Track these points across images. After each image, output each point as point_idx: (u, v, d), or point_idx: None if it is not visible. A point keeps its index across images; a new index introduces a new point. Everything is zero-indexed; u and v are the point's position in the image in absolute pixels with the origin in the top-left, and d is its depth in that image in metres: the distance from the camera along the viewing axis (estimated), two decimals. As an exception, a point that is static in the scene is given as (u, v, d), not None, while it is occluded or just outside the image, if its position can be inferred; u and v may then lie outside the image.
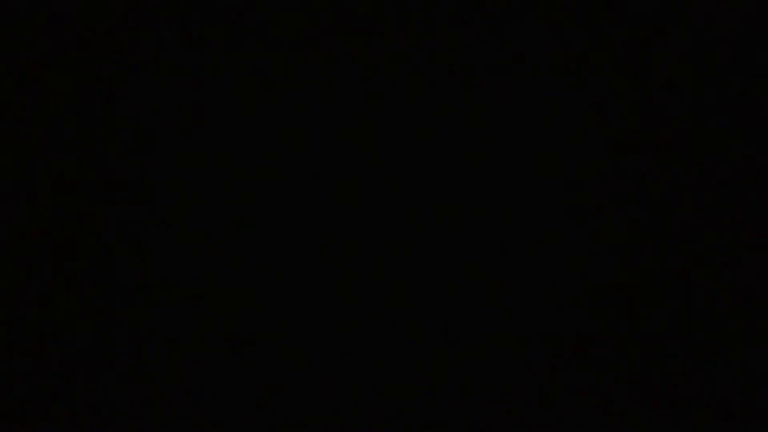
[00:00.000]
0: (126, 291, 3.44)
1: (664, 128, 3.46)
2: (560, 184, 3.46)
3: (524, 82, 3.48)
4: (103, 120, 3.48)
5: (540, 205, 3.46)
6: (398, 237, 3.46)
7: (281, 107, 3.49)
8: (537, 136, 3.48)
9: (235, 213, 3.47)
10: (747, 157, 3.44)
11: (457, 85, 3.48)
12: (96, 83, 3.49)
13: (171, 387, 3.42)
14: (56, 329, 3.43)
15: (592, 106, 3.47)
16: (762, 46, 3.46)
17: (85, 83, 3.49)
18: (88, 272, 3.43)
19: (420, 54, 3.49)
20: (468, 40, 3.49)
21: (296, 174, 3.48)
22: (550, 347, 3.42)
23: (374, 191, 3.47)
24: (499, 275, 3.44)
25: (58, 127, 3.47)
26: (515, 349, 3.43)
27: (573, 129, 3.47)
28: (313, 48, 3.49)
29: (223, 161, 3.48)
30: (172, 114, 3.49)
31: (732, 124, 3.46)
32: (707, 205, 3.44)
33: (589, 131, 3.47)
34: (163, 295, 3.44)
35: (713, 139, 3.46)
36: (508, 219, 3.46)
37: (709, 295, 3.42)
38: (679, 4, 3.47)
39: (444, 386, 3.42)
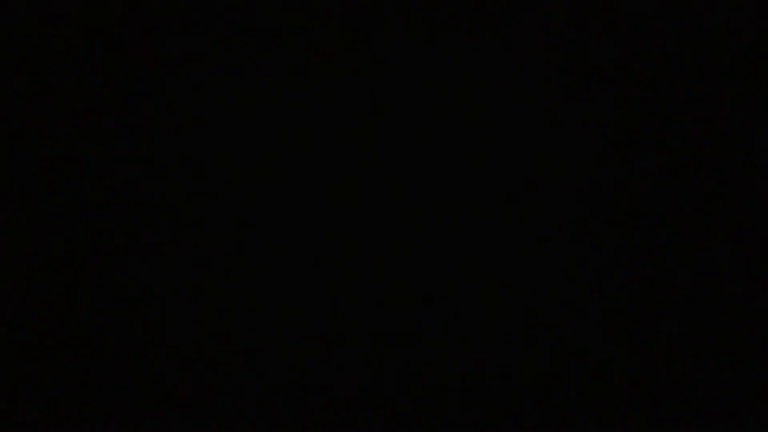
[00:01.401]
0: (125, 291, 3.44)
1: (664, 129, 3.47)
2: (560, 185, 3.47)
3: (524, 83, 3.48)
4: (103, 120, 3.49)
5: (539, 205, 3.46)
6: (398, 237, 3.46)
7: (281, 107, 3.50)
8: (537, 137, 3.48)
9: (235, 213, 3.47)
10: (747, 157, 3.45)
11: (457, 85, 3.49)
12: (96, 83, 3.49)
13: (170, 387, 3.42)
14: (56, 329, 3.43)
15: (592, 107, 3.48)
16: (762, 46, 3.46)
17: (85, 83, 3.49)
18: (88, 272, 3.44)
19: (420, 54, 3.49)
20: (468, 40, 3.49)
21: (296, 174, 3.48)
22: (550, 348, 3.43)
23: (374, 191, 3.47)
24: (499, 276, 3.45)
25: (56, 128, 3.47)
26: (514, 350, 3.43)
27: (573, 129, 3.48)
28: (313, 48, 3.50)
29: (223, 161, 3.48)
30: (173, 114, 3.49)
31: (732, 125, 3.46)
32: (707, 205, 3.45)
33: (590, 132, 3.48)
34: (162, 295, 3.44)
35: (713, 140, 3.46)
36: (509, 219, 3.46)
37: (708, 295, 3.43)
38: (679, 4, 3.47)
39: (444, 386, 3.42)
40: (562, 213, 3.46)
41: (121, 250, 3.45)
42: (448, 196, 3.47)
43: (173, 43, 3.49)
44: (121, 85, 3.49)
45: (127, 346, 3.43)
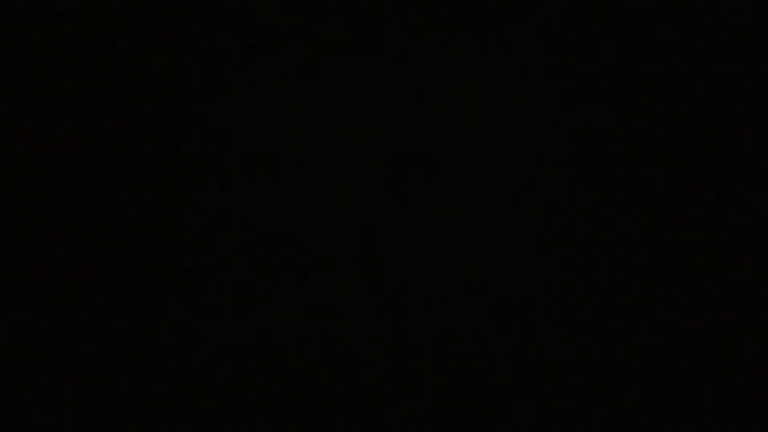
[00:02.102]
0: (125, 291, 3.45)
1: (665, 129, 3.47)
2: (560, 185, 3.47)
3: (524, 83, 3.49)
4: (104, 120, 3.49)
5: (540, 205, 3.47)
6: (398, 237, 3.47)
7: (281, 107, 3.50)
8: (537, 137, 3.48)
9: (235, 213, 3.47)
10: (748, 157, 3.45)
11: (457, 85, 3.49)
12: (96, 83, 3.49)
13: (170, 387, 3.42)
14: (55, 328, 3.43)
15: (591, 107, 3.48)
16: (762, 46, 3.47)
17: (85, 83, 3.49)
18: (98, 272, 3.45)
19: (420, 54, 3.50)
20: (468, 40, 3.49)
21: (296, 174, 3.49)
22: (549, 347, 3.43)
23: (374, 191, 3.48)
24: (499, 275, 3.45)
25: (56, 128, 3.48)
26: (513, 349, 3.43)
27: (573, 129, 3.48)
28: (313, 48, 3.50)
29: (223, 161, 3.48)
30: (173, 114, 3.49)
31: (732, 125, 3.46)
32: (707, 205, 3.45)
33: (589, 131, 3.48)
34: (162, 294, 3.45)
35: (713, 140, 3.46)
36: (509, 219, 3.46)
37: (708, 295, 3.43)
38: (679, 4, 3.48)
39: (444, 386, 3.43)
40: (562, 213, 3.46)
41: (121, 250, 3.45)
42: (448, 196, 3.47)
43: (173, 43, 3.49)
44: (121, 85, 3.49)
45: (126, 346, 3.43)
